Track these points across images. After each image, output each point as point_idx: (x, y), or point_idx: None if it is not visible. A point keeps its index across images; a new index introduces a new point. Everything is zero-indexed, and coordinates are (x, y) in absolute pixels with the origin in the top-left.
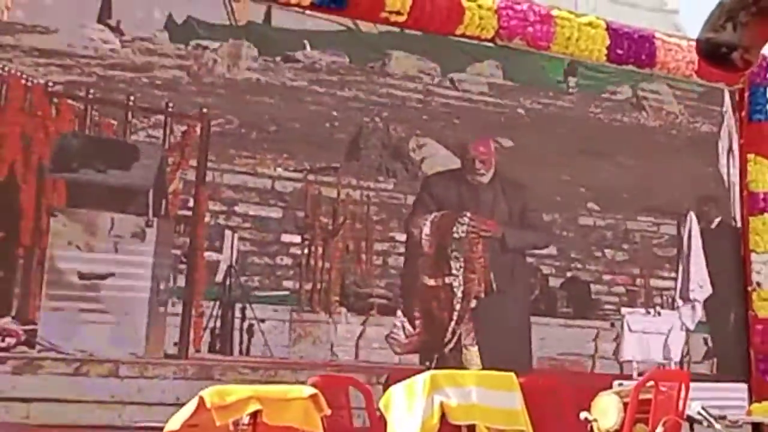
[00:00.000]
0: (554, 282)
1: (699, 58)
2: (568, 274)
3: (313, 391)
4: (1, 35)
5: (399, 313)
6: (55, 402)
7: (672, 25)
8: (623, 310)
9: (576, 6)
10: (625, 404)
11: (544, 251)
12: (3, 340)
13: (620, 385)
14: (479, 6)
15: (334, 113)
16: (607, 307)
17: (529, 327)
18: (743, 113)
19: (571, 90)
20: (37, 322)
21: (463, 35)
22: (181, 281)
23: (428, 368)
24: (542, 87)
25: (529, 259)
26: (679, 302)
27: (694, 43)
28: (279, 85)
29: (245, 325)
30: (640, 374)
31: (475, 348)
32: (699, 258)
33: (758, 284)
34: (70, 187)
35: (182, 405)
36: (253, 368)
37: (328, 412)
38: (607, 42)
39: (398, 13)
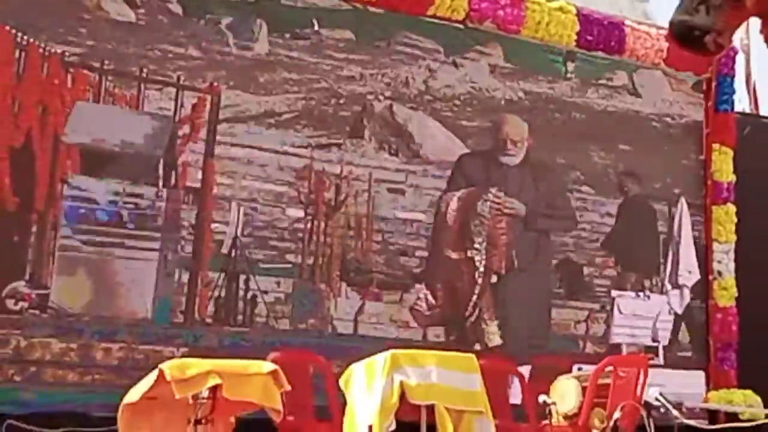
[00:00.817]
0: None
1: (671, 41)
2: (561, 256)
3: (273, 366)
4: (20, 5)
5: (422, 285)
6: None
7: (642, 13)
8: (613, 292)
9: None
10: (584, 388)
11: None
12: (16, 304)
13: (579, 369)
14: None
15: (340, 91)
16: (598, 289)
17: (549, 306)
18: (710, 103)
19: (569, 75)
20: (49, 286)
21: (434, 16)
22: (188, 251)
23: (448, 341)
24: (542, 71)
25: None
26: (668, 287)
27: (663, 32)
28: (287, 61)
29: (249, 296)
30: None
31: (495, 323)
32: (688, 243)
33: (719, 273)
34: (83, 156)
35: None
36: (254, 338)
37: (288, 388)
38: (577, 28)
39: None
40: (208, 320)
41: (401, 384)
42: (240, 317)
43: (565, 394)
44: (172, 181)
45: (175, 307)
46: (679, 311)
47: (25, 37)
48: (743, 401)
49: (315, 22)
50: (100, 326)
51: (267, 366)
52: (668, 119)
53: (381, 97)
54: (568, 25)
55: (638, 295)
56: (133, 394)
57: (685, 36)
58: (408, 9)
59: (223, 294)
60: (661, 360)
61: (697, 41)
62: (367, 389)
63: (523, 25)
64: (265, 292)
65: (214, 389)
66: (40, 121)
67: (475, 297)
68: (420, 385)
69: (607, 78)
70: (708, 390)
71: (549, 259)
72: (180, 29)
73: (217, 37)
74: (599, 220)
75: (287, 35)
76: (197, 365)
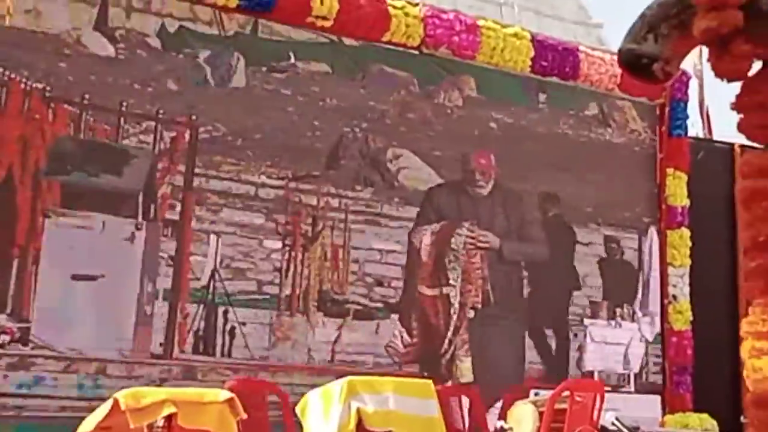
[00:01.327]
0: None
1: (621, 69)
2: (535, 286)
3: (229, 395)
4: (2, 40)
5: (397, 321)
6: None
7: (596, 38)
8: (586, 321)
9: (502, 17)
10: (541, 413)
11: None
12: None
13: (536, 394)
14: (406, 14)
15: (316, 123)
16: (571, 317)
17: (523, 339)
18: (663, 128)
19: (540, 106)
20: (31, 320)
21: (389, 42)
22: (168, 284)
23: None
24: (513, 102)
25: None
26: (639, 314)
27: (617, 57)
28: (264, 94)
29: (227, 327)
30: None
31: (468, 359)
32: (657, 271)
33: (674, 297)
34: (64, 190)
35: None
36: (234, 370)
37: (244, 416)
38: (532, 53)
39: (324, 18)
40: (188, 352)
41: (358, 411)
42: (219, 349)
43: (522, 420)
44: (152, 213)
45: (155, 339)
46: (650, 338)
47: (6, 73)
48: (699, 425)
49: (291, 55)
50: (81, 359)
51: (223, 394)
52: (637, 148)
53: (357, 129)
54: (523, 51)
55: (610, 323)
56: (88, 424)
57: (633, 64)
58: (364, 35)
59: (202, 326)
60: (632, 387)
61: (645, 69)
62: (323, 417)
63: (478, 51)
64: (243, 324)
65: (170, 418)
66: (21, 155)
67: (450, 334)
68: (377, 412)
69: (578, 109)
70: (664, 414)
71: (522, 290)
72: (159, 63)
73: (196, 70)
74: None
75: (264, 68)
76: (152, 394)
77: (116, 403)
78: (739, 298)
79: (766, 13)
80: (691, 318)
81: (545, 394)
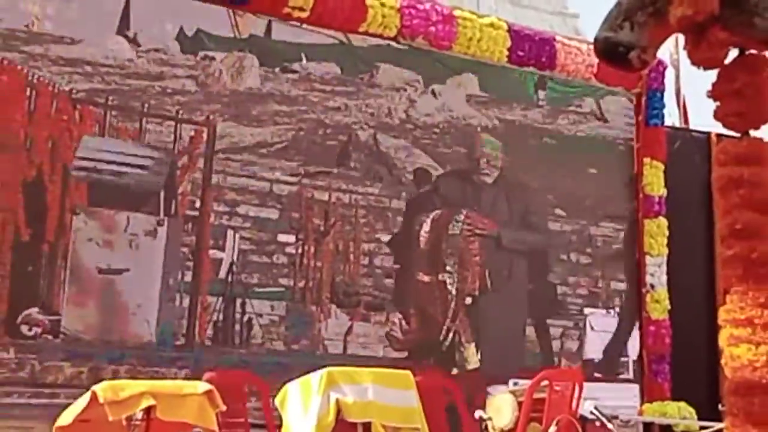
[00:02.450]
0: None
1: (597, 58)
2: (539, 277)
3: (208, 387)
4: (31, 45)
5: (394, 310)
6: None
7: (572, 28)
8: (586, 310)
9: (478, 7)
10: (520, 403)
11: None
12: (30, 329)
13: (515, 384)
14: (382, 4)
15: (327, 121)
16: (571, 307)
17: (524, 325)
18: (640, 117)
19: (540, 103)
20: (60, 312)
21: (366, 33)
22: (188, 277)
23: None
24: (515, 99)
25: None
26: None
27: (593, 45)
28: (278, 94)
29: (245, 318)
30: (597, 370)
31: (473, 345)
32: None
33: (652, 286)
34: (90, 188)
35: None
36: (251, 358)
37: (223, 408)
38: (509, 43)
39: (301, 9)
40: (208, 343)
41: (337, 402)
42: (237, 339)
43: (501, 409)
44: (172, 210)
45: (177, 330)
46: None
47: (36, 76)
48: (677, 413)
49: (303, 56)
50: (108, 350)
51: (202, 386)
52: (632, 143)
53: (365, 127)
54: (500, 41)
55: (608, 312)
56: (66, 417)
57: (609, 52)
58: (341, 25)
59: (221, 317)
60: (630, 374)
61: (621, 57)
62: (303, 408)
63: (454, 41)
64: (260, 315)
65: (148, 410)
66: (50, 155)
67: (448, 320)
68: (356, 402)
69: (576, 104)
70: (642, 402)
71: (523, 277)
72: (177, 66)
73: (212, 72)
74: (573, 240)
75: (277, 69)
76: (131, 386)
77: (95, 395)
78: (716, 287)
79: (742, 0)
80: (668, 307)
81: (524, 383)
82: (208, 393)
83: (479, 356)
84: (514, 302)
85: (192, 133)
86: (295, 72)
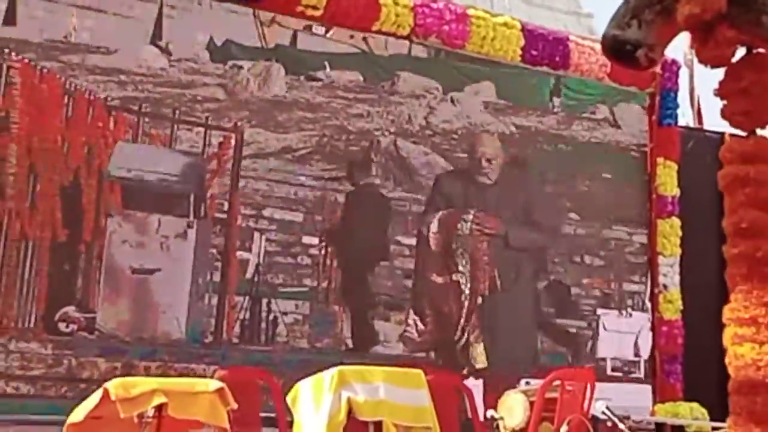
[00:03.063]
0: (539, 285)
1: (605, 56)
2: (551, 278)
3: (219, 384)
4: (69, 55)
5: (410, 311)
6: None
7: (586, 28)
8: (599, 311)
9: (492, 6)
10: (532, 403)
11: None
12: (67, 326)
13: (527, 383)
14: (396, 3)
15: (349, 127)
16: (584, 308)
17: (535, 324)
18: (654, 117)
19: (555, 109)
20: (96, 310)
21: (379, 31)
22: (217, 277)
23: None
24: (531, 106)
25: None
26: (648, 305)
27: (601, 43)
28: (302, 101)
29: (270, 317)
30: (613, 369)
31: (481, 345)
32: None
33: (665, 286)
34: (124, 191)
35: None
36: (276, 355)
37: (235, 406)
38: (522, 43)
39: (314, 7)
40: (235, 340)
41: (349, 400)
42: (263, 337)
43: (512, 409)
44: (202, 212)
45: (206, 328)
46: None
47: (73, 84)
48: (689, 414)
49: (327, 65)
50: (141, 346)
51: (213, 384)
52: (645, 149)
53: (386, 133)
54: (513, 41)
55: (621, 313)
56: (78, 414)
57: (617, 50)
58: (354, 24)
59: (247, 316)
60: (641, 373)
61: (628, 55)
62: (314, 406)
63: (468, 40)
64: (285, 314)
65: (160, 408)
66: (86, 159)
67: (462, 320)
68: (368, 401)
69: (590, 111)
70: (654, 403)
71: (532, 276)
72: (207, 74)
73: (240, 81)
74: (587, 244)
75: (302, 78)
76: (142, 384)
77: (106, 392)
78: (728, 287)
79: None
80: (681, 307)
81: (536, 383)
82: (219, 391)
83: (486, 356)
84: (525, 301)
85: (221, 139)
86: (319, 80)
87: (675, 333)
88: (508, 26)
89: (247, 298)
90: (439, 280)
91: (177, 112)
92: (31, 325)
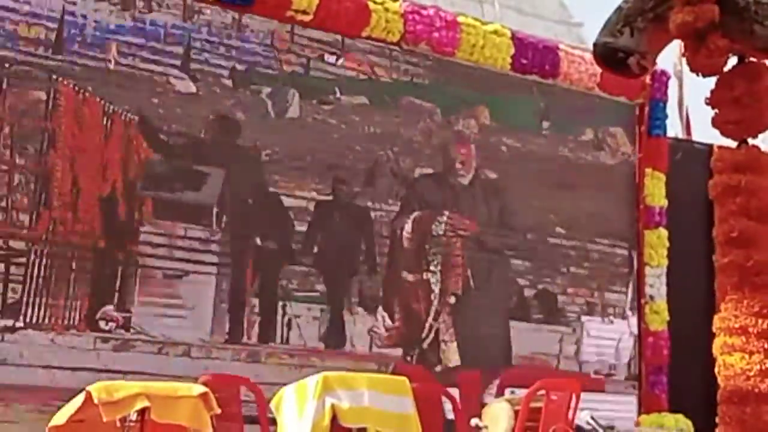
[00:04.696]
0: (528, 292)
1: (596, 63)
2: (540, 287)
3: (203, 389)
4: (108, 80)
5: (380, 308)
6: (142, 375)
7: (576, 37)
8: (583, 318)
9: (482, 14)
10: (516, 412)
11: (521, 267)
12: (106, 324)
13: (512, 392)
14: (386, 9)
15: (357, 147)
16: (570, 315)
17: (507, 324)
18: (643, 128)
19: (544, 132)
20: (131, 310)
21: (369, 37)
22: (238, 282)
23: (409, 362)
24: (521, 128)
25: (509, 273)
26: (629, 313)
27: (592, 50)
28: (314, 123)
29: (285, 319)
30: (595, 372)
31: (454, 344)
32: None
33: (651, 297)
34: (155, 203)
35: None
36: (290, 354)
37: (218, 411)
38: (512, 51)
39: (304, 12)
40: (254, 339)
41: (333, 407)
42: (278, 337)
43: (497, 418)
44: (224, 222)
45: (228, 327)
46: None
47: (111, 107)
48: (674, 425)
49: (337, 90)
50: (172, 344)
51: (197, 389)
52: (628, 170)
53: (390, 152)
54: (503, 49)
55: (604, 320)
56: (60, 417)
57: (608, 57)
58: (343, 30)
59: (265, 318)
60: (622, 376)
61: (620, 63)
62: (298, 412)
63: (457, 47)
64: (299, 316)
65: (143, 412)
66: (122, 174)
67: (430, 318)
68: (352, 408)
69: (576, 134)
70: (639, 413)
71: (505, 277)
72: (230, 98)
73: (259, 104)
74: (572, 256)
75: (314, 101)
76: (125, 387)
77: (89, 396)
78: (716, 299)
79: (742, 8)
80: (667, 318)
81: (521, 392)
82: (203, 395)
83: (459, 354)
84: (496, 301)
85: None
86: (330, 104)
87: (661, 344)
88: (498, 34)
89: (264, 301)
90: (410, 278)
91: (202, 131)
92: (75, 322)
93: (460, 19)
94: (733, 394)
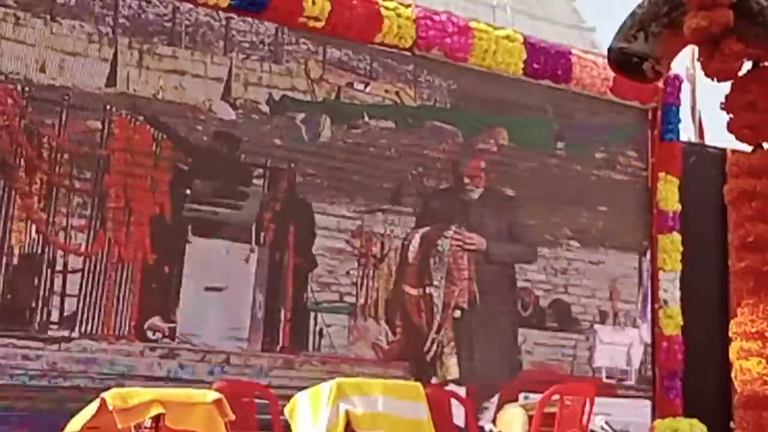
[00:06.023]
0: (543, 302)
1: (611, 68)
2: (554, 297)
3: (217, 396)
4: (158, 110)
5: (382, 320)
6: (187, 382)
7: (589, 42)
8: (596, 326)
9: (494, 19)
10: (530, 417)
11: (536, 278)
12: (153, 334)
13: (526, 398)
14: (398, 15)
15: (384, 168)
16: (583, 323)
17: (515, 338)
18: (656, 132)
19: (558, 152)
20: (176, 321)
21: (381, 43)
22: (274, 294)
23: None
24: (538, 148)
25: (524, 283)
26: (639, 321)
27: (606, 55)
28: (344, 146)
29: (317, 328)
30: (608, 377)
31: (454, 358)
32: None
33: (665, 302)
34: (198, 222)
35: (274, 388)
36: (322, 362)
37: (233, 417)
38: (524, 56)
39: (316, 18)
40: (288, 347)
41: (347, 413)
42: (310, 345)
43: (511, 423)
44: (262, 240)
45: (264, 336)
46: (648, 341)
47: (160, 135)
48: (689, 430)
49: (365, 115)
50: (213, 353)
51: (211, 395)
52: (638, 186)
53: (414, 172)
54: (515, 54)
55: (615, 328)
56: (74, 424)
57: (623, 63)
58: (356, 36)
59: (298, 327)
60: (633, 381)
61: (635, 68)
62: (312, 418)
63: (470, 53)
64: (329, 326)
65: (157, 419)
66: (169, 195)
67: (433, 332)
68: (366, 414)
69: (589, 153)
70: (654, 418)
71: (512, 291)
72: (267, 124)
73: (294, 129)
74: (584, 268)
75: (345, 126)
76: (140, 394)
77: (103, 403)
78: (730, 303)
79: (757, 12)
80: (681, 323)
81: (535, 397)
82: (217, 402)
83: (459, 368)
84: (504, 315)
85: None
86: (358, 128)
87: (675, 348)
88: (510, 39)
89: (297, 312)
90: (413, 292)
91: (242, 155)
92: (125, 332)
93: (473, 24)
94: (750, 398)
